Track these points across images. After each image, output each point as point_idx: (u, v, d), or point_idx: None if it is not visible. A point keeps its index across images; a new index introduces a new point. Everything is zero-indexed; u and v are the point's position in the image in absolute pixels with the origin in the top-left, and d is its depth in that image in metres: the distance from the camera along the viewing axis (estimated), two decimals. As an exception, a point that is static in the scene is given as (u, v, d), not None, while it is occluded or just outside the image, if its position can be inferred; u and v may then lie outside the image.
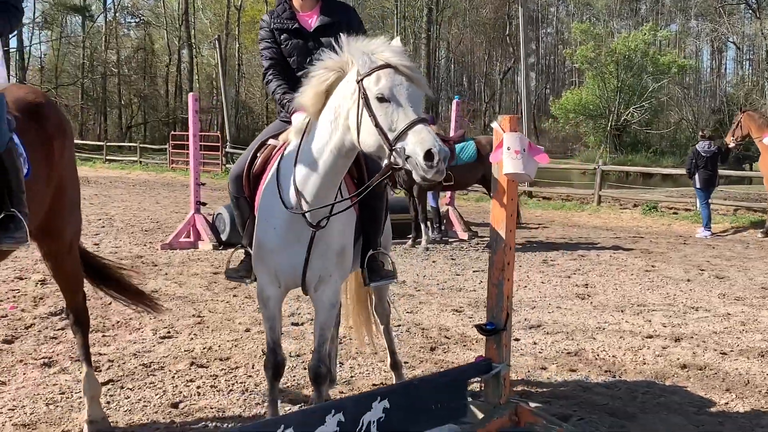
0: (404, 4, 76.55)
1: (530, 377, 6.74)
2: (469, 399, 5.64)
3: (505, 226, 5.22)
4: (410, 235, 14.30)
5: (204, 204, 14.22)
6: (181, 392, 6.14)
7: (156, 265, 11.73)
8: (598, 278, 11.47)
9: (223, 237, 13.76)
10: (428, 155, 3.89)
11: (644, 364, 7.18)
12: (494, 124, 5.23)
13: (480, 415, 5.26)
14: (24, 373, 6.52)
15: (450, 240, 15.26)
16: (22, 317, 8.37)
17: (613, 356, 7.41)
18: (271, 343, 5.03)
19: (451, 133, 15.68)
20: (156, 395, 6.07)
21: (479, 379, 5.34)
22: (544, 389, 6.44)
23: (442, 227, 15.34)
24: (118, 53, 71.77)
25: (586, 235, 17.15)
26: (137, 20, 76.61)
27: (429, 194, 14.87)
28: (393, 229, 14.39)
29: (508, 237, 5.24)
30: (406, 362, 7.03)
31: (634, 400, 6.19)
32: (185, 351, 7.26)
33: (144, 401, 5.93)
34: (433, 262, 12.72)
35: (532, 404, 5.99)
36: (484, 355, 5.43)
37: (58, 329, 7.94)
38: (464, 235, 15.51)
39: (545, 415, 5.28)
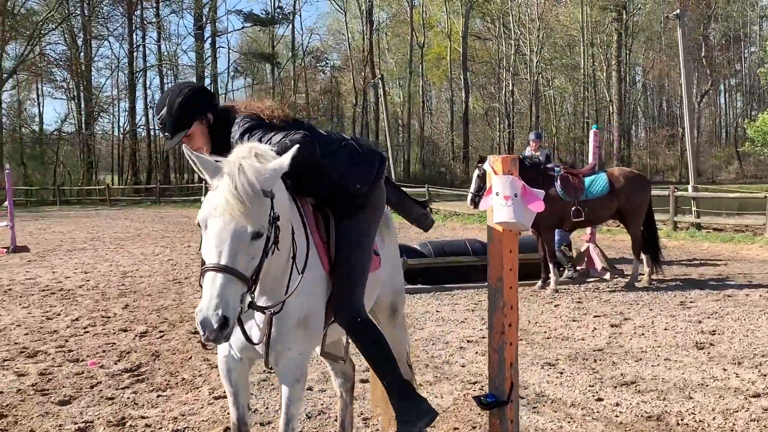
0: (592, 31, 74.93)
1: (589, 448, 5.94)
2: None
3: (504, 282, 4.54)
4: (543, 276, 13.46)
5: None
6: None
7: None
8: (731, 323, 10.30)
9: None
10: (197, 316, 3.51)
11: (731, 431, 6.21)
12: (486, 166, 4.58)
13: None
14: (54, 440, 6.32)
15: (589, 280, 14.31)
16: (95, 374, 8.26)
17: (700, 421, 6.46)
18: (235, 420, 4.55)
19: (591, 163, 14.77)
20: (167, 467, 5.70)
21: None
22: (598, 464, 5.63)
23: (576, 266, 14.43)
24: (308, 96, 73.79)
25: (748, 270, 15.71)
26: (324, 64, 78.69)
27: (558, 233, 14.03)
28: (521, 269, 13.74)
29: (509, 295, 4.60)
30: (456, 429, 6.38)
31: (699, 479, 5.30)
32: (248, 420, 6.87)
33: (149, 474, 5.57)
34: (556, 306, 11.88)
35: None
36: (487, 433, 4.76)
37: (120, 387, 7.77)
38: (605, 274, 14.49)
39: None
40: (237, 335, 4.21)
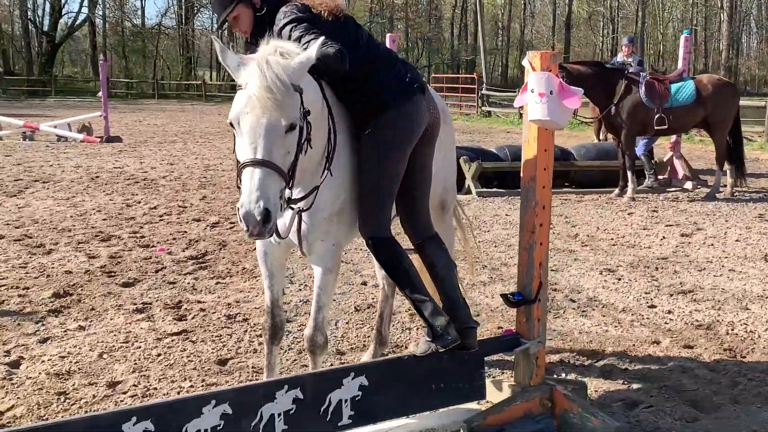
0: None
1: (629, 352, 5.91)
2: (495, 378, 5.04)
3: (536, 182, 4.49)
4: (621, 184, 13.21)
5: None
6: (239, 348, 5.91)
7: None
8: (809, 237, 10.02)
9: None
10: (239, 211, 3.53)
11: (781, 343, 6.11)
12: (524, 62, 4.49)
13: (502, 397, 4.62)
14: (111, 319, 6.56)
15: (670, 189, 14.01)
16: (161, 260, 8.52)
17: (751, 332, 6.36)
18: (268, 302, 4.73)
19: (679, 68, 14.31)
20: (212, 350, 5.87)
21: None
22: (636, 367, 5.60)
23: (658, 174, 14.11)
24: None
25: (841, 185, 15.16)
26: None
27: (641, 141, 13.72)
28: (598, 176, 13.51)
29: (541, 195, 4.52)
30: (500, 327, 6.41)
31: (735, 387, 5.24)
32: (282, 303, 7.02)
33: (195, 355, 5.75)
34: (629, 214, 11.69)
35: (603, 383, 5.25)
36: (514, 329, 4.77)
37: (183, 273, 8.00)
38: (688, 184, 14.17)
39: (582, 402, 4.56)
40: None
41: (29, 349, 5.82)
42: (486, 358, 4.67)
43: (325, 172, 4.11)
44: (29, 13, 61.80)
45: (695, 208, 12.20)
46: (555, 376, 5.27)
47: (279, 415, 3.85)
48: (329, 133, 4.13)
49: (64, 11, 63.33)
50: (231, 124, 3.68)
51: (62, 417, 4.64)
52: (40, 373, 5.35)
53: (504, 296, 4.62)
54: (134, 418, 3.48)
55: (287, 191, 3.72)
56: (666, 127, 12.88)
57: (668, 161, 14.72)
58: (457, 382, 4.40)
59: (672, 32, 78.99)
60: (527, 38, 79.05)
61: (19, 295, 7.11)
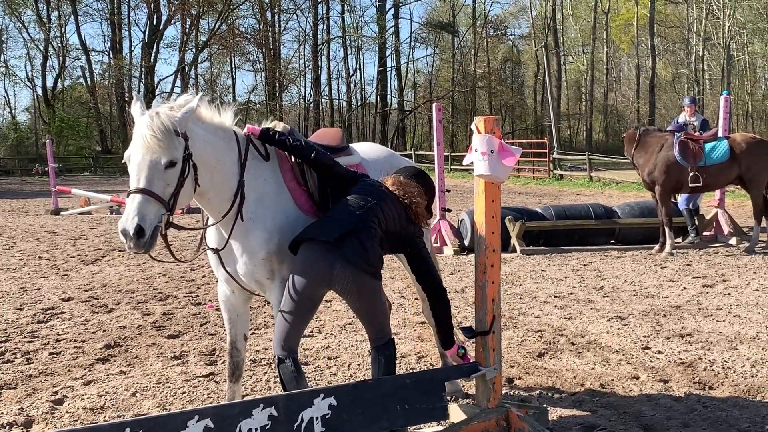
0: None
1: (606, 386, 6.47)
2: (456, 402, 5.67)
3: (485, 228, 5.18)
4: (660, 240, 13.68)
5: (449, 210, 14.63)
6: (255, 386, 6.67)
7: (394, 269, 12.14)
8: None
9: (466, 242, 14.13)
10: (119, 229, 4.31)
11: (752, 377, 6.60)
12: (472, 125, 5.23)
13: (461, 418, 5.27)
14: (150, 365, 7.40)
15: (713, 245, 14.40)
16: (208, 315, 9.37)
17: (728, 369, 6.85)
18: (228, 343, 5.60)
19: (720, 131, 14.77)
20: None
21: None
22: (606, 399, 6.16)
23: (699, 230, 14.50)
24: (489, 65, 73.97)
25: None
26: (504, 32, 78.57)
27: (683, 197, 14.20)
28: (639, 233, 14.00)
29: (490, 239, 5.20)
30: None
31: (690, 413, 5.77)
32: (306, 349, 7.77)
33: (215, 393, 6.51)
34: (662, 268, 12.15)
35: (570, 410, 5.84)
36: (474, 359, 5.42)
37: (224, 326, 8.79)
38: (733, 240, 14.54)
39: (533, 422, 5.16)
40: (222, 273, 5.21)
41: (74, 390, 6.66)
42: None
43: (237, 218, 4.89)
44: (125, 94, 64.70)
45: (729, 262, 12.59)
46: (522, 402, 5.89)
47: (256, 429, 4.55)
48: (238, 187, 4.90)
49: (157, 92, 65.96)
50: (125, 162, 4.49)
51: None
52: (78, 409, 6.18)
53: (462, 329, 5.29)
54: (128, 429, 4.23)
55: (168, 216, 4.42)
56: (700, 184, 13.37)
57: (713, 218, 15.10)
58: (420, 403, 5.04)
59: (761, 93, 78.10)
60: (611, 102, 79.20)
61: (75, 347, 8.02)
